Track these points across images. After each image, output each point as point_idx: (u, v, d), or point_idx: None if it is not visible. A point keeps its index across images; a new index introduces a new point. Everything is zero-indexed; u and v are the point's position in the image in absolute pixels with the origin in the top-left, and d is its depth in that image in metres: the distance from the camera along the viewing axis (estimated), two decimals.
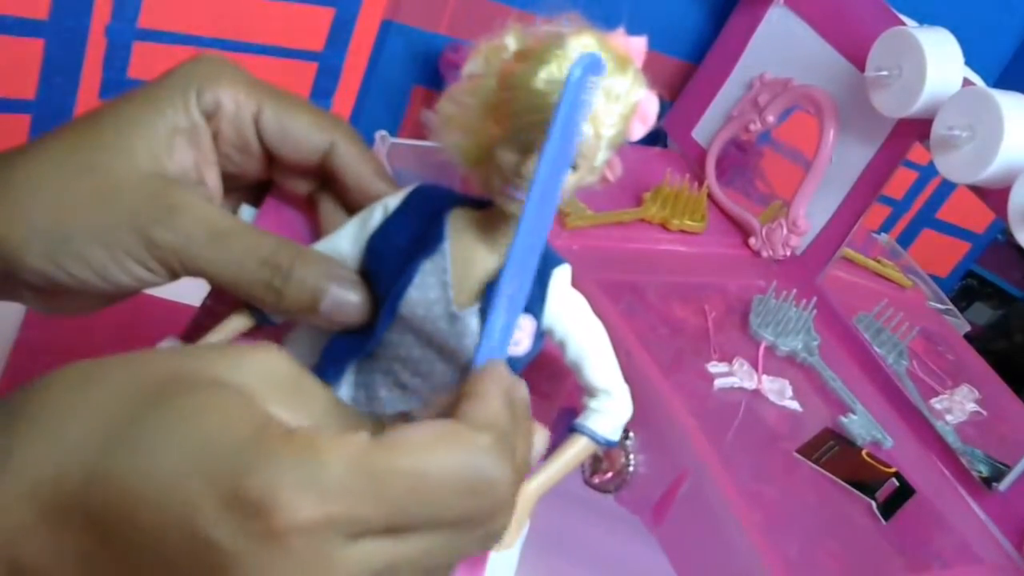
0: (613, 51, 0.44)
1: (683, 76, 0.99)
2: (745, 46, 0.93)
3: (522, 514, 0.51)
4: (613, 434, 0.52)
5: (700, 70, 0.97)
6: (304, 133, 0.49)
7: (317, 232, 0.55)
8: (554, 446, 0.53)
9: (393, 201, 0.50)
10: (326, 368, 0.52)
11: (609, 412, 0.52)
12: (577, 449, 0.52)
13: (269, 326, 0.52)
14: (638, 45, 0.45)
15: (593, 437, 0.52)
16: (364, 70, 0.86)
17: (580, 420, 0.52)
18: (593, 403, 0.52)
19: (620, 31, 0.45)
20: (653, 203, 0.87)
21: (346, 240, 0.51)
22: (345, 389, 0.53)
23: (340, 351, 0.51)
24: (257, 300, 0.50)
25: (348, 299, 0.49)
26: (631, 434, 0.67)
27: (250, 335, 0.53)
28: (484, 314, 0.49)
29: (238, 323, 0.52)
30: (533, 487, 0.51)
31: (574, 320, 0.51)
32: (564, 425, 0.53)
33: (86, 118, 0.46)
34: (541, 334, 0.50)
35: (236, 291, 0.50)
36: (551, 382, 0.54)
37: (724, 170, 0.92)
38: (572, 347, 0.51)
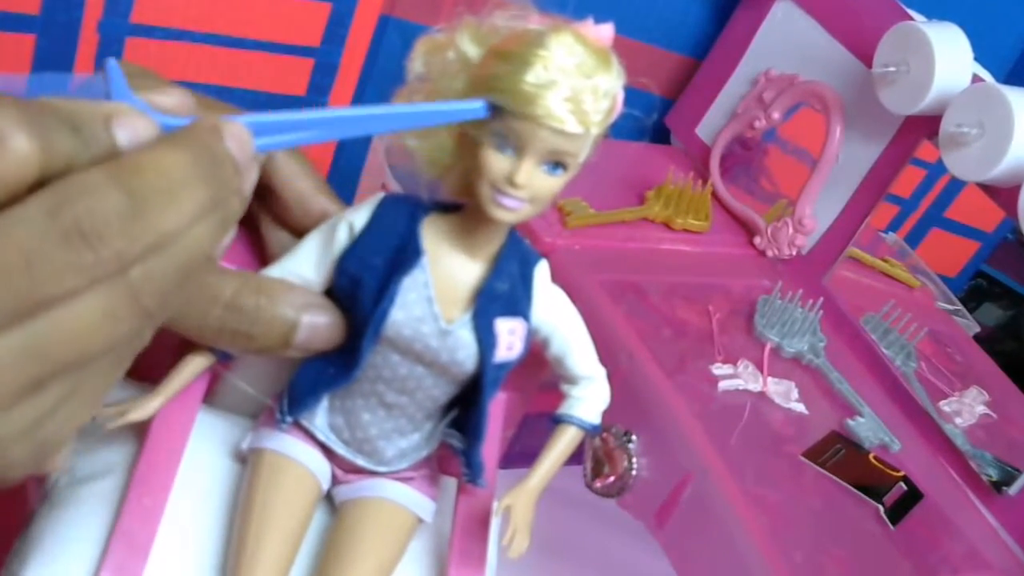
0: (594, 47, 0.44)
1: (686, 72, 0.98)
2: (750, 42, 0.92)
3: (525, 511, 0.50)
4: (597, 418, 0.53)
5: (704, 66, 0.96)
6: None
7: (259, 248, 0.53)
8: (537, 442, 0.52)
9: (359, 218, 0.48)
10: (302, 399, 0.51)
11: (592, 398, 0.52)
12: (567, 439, 0.52)
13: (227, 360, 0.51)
14: (607, 32, 0.45)
15: (581, 425, 0.52)
16: (362, 66, 0.86)
17: (564, 411, 0.52)
18: (575, 391, 0.52)
19: (588, 21, 0.44)
20: (656, 201, 0.86)
21: (307, 263, 0.49)
22: (321, 416, 0.52)
23: (316, 380, 0.50)
24: (226, 346, 0.48)
25: (321, 324, 0.48)
26: (634, 437, 0.67)
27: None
28: (477, 323, 0.48)
29: (197, 364, 0.51)
30: (532, 484, 0.51)
31: (558, 316, 0.51)
32: (532, 432, 0.52)
33: None
34: (530, 335, 0.50)
35: (202, 339, 0.48)
36: (523, 376, 0.54)
37: (728, 168, 0.92)
38: (556, 342, 0.51)
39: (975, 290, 1.06)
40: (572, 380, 0.52)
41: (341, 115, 0.37)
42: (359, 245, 0.48)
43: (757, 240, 0.87)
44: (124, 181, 0.29)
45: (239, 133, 0.31)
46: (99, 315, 0.29)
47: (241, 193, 0.32)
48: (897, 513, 0.67)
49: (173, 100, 0.33)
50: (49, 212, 0.28)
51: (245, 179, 0.32)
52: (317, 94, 0.86)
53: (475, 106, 0.42)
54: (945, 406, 0.78)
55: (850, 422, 0.73)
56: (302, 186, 0.51)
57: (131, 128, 0.30)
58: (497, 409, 0.56)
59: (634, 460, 0.67)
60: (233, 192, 0.31)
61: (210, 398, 0.55)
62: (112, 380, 0.32)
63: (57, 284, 0.28)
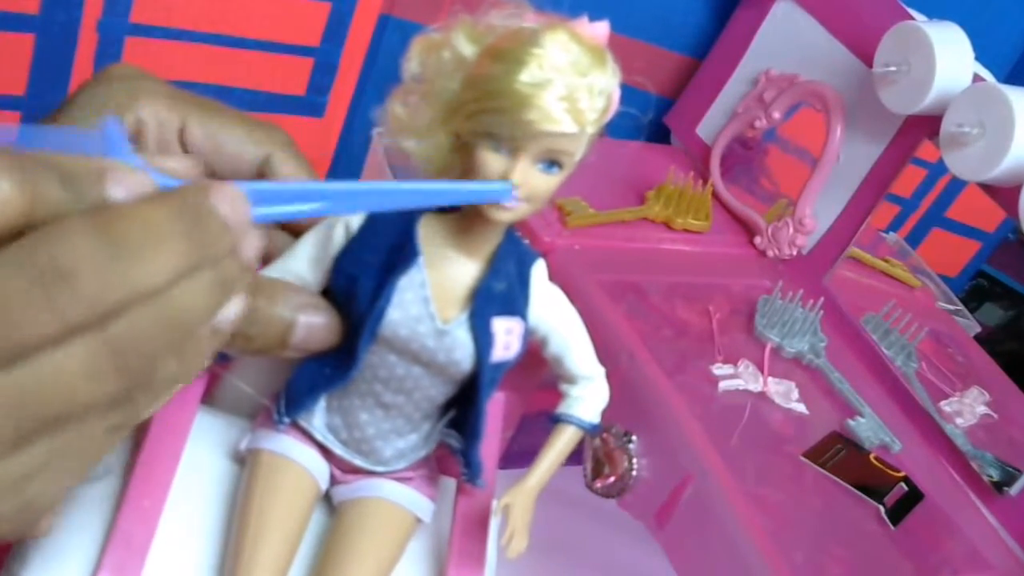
0: (589, 45, 0.43)
1: (687, 72, 0.98)
2: (750, 41, 0.92)
3: (524, 510, 0.50)
4: (596, 418, 0.52)
5: (704, 66, 0.96)
6: (236, 146, 0.47)
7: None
8: (536, 442, 0.52)
9: (356, 218, 0.48)
10: (299, 399, 0.51)
11: (591, 397, 0.52)
12: (565, 439, 0.52)
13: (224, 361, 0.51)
14: (602, 30, 0.44)
15: (580, 424, 0.52)
16: (361, 66, 0.86)
17: (563, 410, 0.52)
18: (574, 391, 0.52)
19: (583, 19, 0.44)
20: (656, 201, 0.86)
21: (304, 262, 0.49)
22: (319, 416, 0.52)
23: (314, 380, 0.50)
24: (223, 346, 0.48)
25: (318, 324, 0.48)
26: (634, 437, 0.67)
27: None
28: (473, 323, 0.48)
29: None
30: (531, 484, 0.50)
31: (556, 315, 0.50)
32: (531, 432, 0.52)
33: None
34: (527, 334, 0.49)
35: None
36: (521, 375, 0.53)
37: (729, 168, 0.92)
38: (555, 341, 0.51)
39: (976, 290, 1.06)
40: (571, 379, 0.52)
41: (358, 188, 0.36)
42: (355, 244, 0.48)
43: (757, 240, 0.87)
44: (100, 226, 0.28)
45: (231, 194, 0.31)
46: (79, 367, 0.28)
47: (237, 256, 0.31)
48: (898, 513, 0.67)
49: (181, 164, 0.33)
50: (26, 252, 0.28)
51: (240, 241, 0.31)
52: (316, 94, 0.85)
53: (501, 187, 0.42)
54: (946, 406, 0.77)
55: (851, 422, 0.73)
56: None
57: (125, 184, 0.30)
58: (496, 409, 0.56)
59: (634, 460, 0.66)
60: (224, 252, 0.31)
61: (209, 399, 0.55)
62: (104, 448, 0.31)
63: (33, 326, 0.28)
